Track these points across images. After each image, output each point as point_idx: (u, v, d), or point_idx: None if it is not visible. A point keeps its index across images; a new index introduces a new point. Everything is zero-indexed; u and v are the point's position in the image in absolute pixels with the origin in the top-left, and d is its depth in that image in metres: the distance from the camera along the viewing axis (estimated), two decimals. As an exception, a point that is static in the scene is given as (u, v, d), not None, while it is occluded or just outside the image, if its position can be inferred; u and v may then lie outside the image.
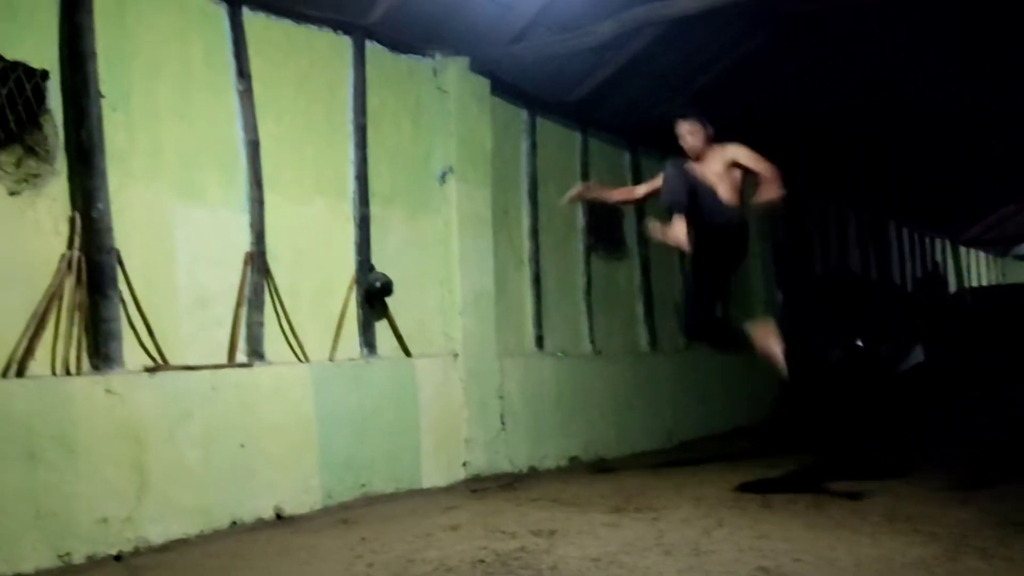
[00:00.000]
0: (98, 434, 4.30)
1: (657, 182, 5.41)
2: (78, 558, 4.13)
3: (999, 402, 10.02)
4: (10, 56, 4.26)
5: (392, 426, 5.93)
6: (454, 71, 6.67)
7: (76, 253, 4.42)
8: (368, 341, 6.03)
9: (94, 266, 4.49)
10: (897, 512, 4.82)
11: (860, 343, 12.40)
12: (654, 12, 6.35)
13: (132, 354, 4.65)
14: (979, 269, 24.24)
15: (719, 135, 5.23)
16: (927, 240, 19.45)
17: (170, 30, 5.01)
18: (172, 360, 4.81)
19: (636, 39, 7.34)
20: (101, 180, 4.54)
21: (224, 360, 5.14)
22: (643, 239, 9.04)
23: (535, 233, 7.61)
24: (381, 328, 6.14)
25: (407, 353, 6.26)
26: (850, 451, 7.64)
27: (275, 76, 5.55)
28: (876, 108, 10.65)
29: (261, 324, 5.34)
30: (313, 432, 5.40)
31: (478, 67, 6.81)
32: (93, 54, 4.54)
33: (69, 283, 4.39)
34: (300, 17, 5.72)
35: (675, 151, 5.39)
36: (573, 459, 7.43)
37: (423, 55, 6.61)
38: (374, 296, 6.03)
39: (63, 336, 4.37)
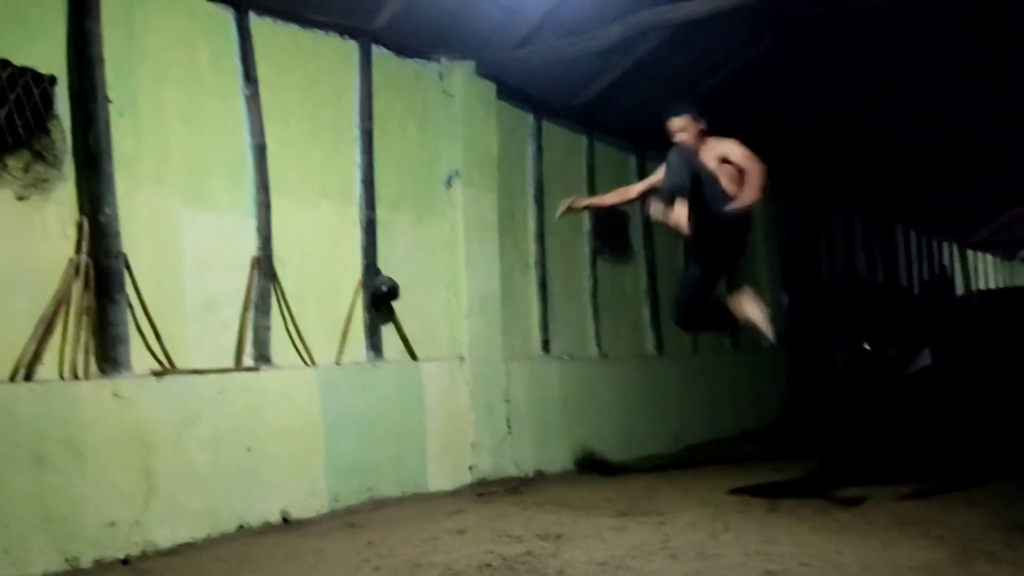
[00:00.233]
0: (106, 438, 4.32)
1: (652, 179, 5.39)
2: (85, 562, 4.14)
3: (1006, 404, 9.98)
4: (18, 62, 4.27)
5: (398, 430, 5.94)
6: (460, 75, 6.68)
7: (84, 257, 4.43)
8: (374, 345, 6.04)
9: (102, 270, 4.51)
10: (904, 516, 4.81)
11: (867, 346, 12.38)
12: (660, 16, 6.34)
13: (139, 358, 4.66)
14: (987, 272, 24.16)
15: (724, 135, 5.17)
16: (934, 243, 19.40)
17: (177, 35, 5.03)
18: (179, 364, 4.82)
19: (642, 43, 7.34)
20: (108, 185, 4.56)
21: (231, 364, 5.16)
22: (649, 242, 9.05)
23: (541, 237, 7.61)
24: (387, 332, 6.15)
25: (413, 357, 6.27)
26: (857, 455, 7.62)
27: (282, 81, 5.57)
28: (883, 111, 10.63)
29: (268, 328, 5.36)
30: (319, 436, 5.41)
31: (484, 71, 6.81)
32: (101, 59, 4.57)
33: (77, 287, 4.40)
34: (307, 22, 5.73)
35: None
36: (579, 463, 7.43)
37: (429, 59, 6.63)
38: (380, 300, 6.04)
39: (71, 340, 4.38)
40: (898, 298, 15.13)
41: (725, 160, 4.92)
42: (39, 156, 4.33)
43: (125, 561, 4.26)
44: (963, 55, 9.26)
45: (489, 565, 4.00)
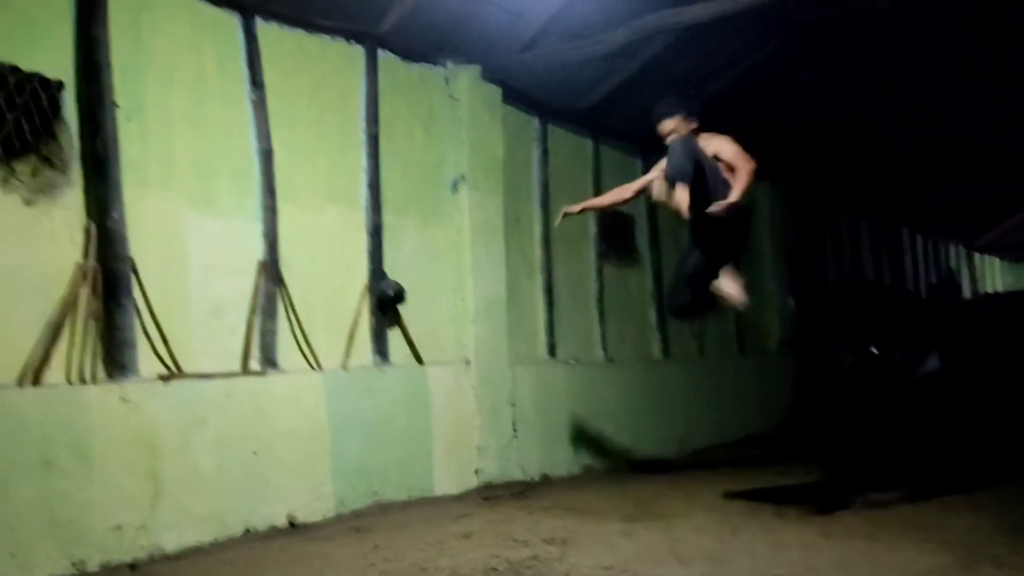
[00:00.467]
0: (113, 442, 4.33)
1: (647, 178, 5.37)
2: (92, 566, 4.15)
3: (1011, 408, 9.94)
4: (26, 67, 4.29)
5: (404, 434, 5.94)
6: (466, 79, 6.69)
7: (91, 262, 4.45)
8: (380, 349, 6.05)
9: (109, 275, 4.52)
10: (911, 520, 4.80)
11: (874, 350, 12.35)
12: (666, 19, 6.34)
13: (146, 362, 4.68)
14: (994, 275, 24.09)
15: (719, 133, 5.11)
16: (941, 246, 19.35)
17: (184, 41, 5.04)
18: (186, 368, 4.83)
19: (647, 46, 7.35)
20: (116, 190, 4.58)
21: (237, 368, 5.17)
22: (655, 246, 9.04)
23: (547, 241, 7.61)
24: (393, 336, 6.16)
25: (419, 361, 6.27)
26: (863, 458, 7.59)
27: (288, 85, 5.58)
28: (888, 113, 10.61)
29: (274, 332, 5.37)
30: (326, 440, 5.42)
31: (489, 75, 6.82)
32: (108, 65, 4.59)
33: (84, 292, 4.42)
34: (313, 27, 5.75)
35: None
36: (585, 467, 7.42)
37: (435, 64, 6.64)
38: (386, 304, 6.04)
39: (78, 345, 4.40)
40: (905, 301, 15.08)
41: (716, 157, 4.91)
42: (47, 161, 4.35)
43: (132, 566, 4.26)
44: (969, 57, 9.24)
45: (495, 569, 4.00)
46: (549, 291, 7.60)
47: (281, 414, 5.18)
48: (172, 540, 4.50)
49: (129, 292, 4.61)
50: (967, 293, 19.55)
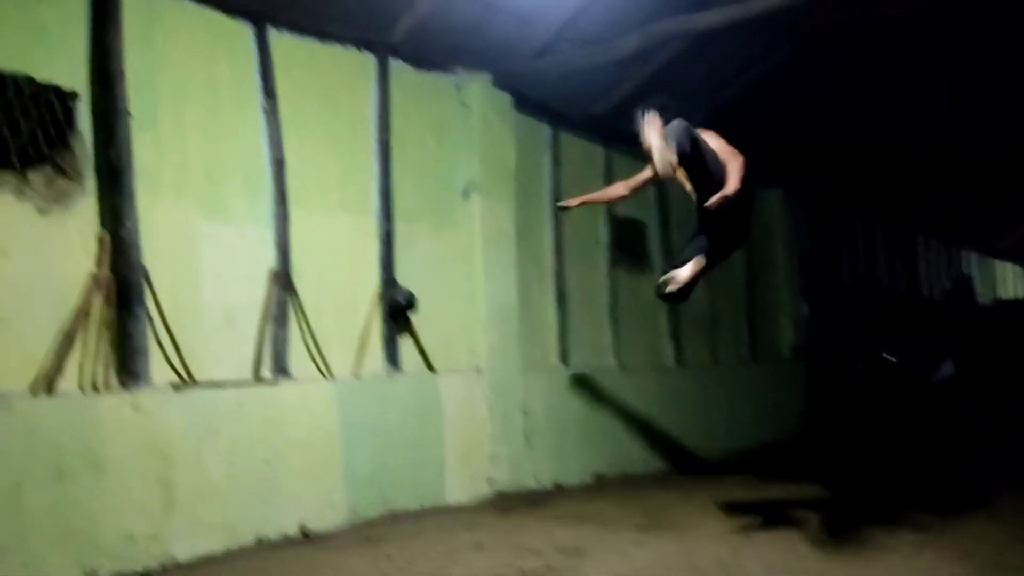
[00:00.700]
0: (125, 451, 4.33)
1: (643, 176, 5.31)
2: (104, 575, 4.15)
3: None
4: (40, 78, 4.31)
5: (416, 442, 5.93)
6: (477, 87, 6.69)
7: (104, 271, 4.46)
8: (392, 357, 6.04)
9: (122, 284, 4.54)
10: (928, 528, 4.75)
11: (888, 356, 12.28)
12: (680, 25, 6.31)
13: (159, 371, 4.68)
14: (1009, 281, 23.92)
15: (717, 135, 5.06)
16: (956, 252, 19.23)
17: (197, 50, 5.06)
18: (198, 377, 4.84)
19: (660, 53, 7.32)
20: (129, 199, 4.59)
21: (249, 376, 5.17)
22: (667, 253, 8.99)
23: (558, 248, 7.60)
24: (405, 343, 6.15)
25: (431, 368, 6.26)
26: (878, 466, 7.54)
27: (300, 94, 5.59)
28: (902, 119, 10.55)
29: (286, 340, 5.37)
30: (337, 448, 5.41)
31: (501, 83, 6.82)
32: (122, 74, 4.61)
33: (97, 301, 4.43)
34: (325, 36, 5.76)
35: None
36: (598, 475, 7.39)
37: (446, 71, 6.64)
38: (398, 312, 6.04)
39: (91, 354, 4.41)
40: (919, 308, 15.00)
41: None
42: (61, 171, 4.37)
43: (145, 575, 4.26)
44: (984, 63, 9.18)
45: (508, 579, 3.98)
46: (561, 298, 7.58)
47: (293, 422, 5.17)
48: (184, 549, 4.50)
49: (142, 301, 4.62)
50: (982, 299, 19.40)
